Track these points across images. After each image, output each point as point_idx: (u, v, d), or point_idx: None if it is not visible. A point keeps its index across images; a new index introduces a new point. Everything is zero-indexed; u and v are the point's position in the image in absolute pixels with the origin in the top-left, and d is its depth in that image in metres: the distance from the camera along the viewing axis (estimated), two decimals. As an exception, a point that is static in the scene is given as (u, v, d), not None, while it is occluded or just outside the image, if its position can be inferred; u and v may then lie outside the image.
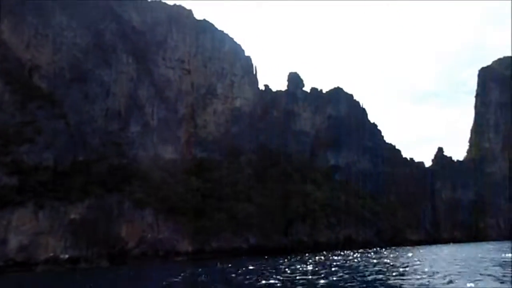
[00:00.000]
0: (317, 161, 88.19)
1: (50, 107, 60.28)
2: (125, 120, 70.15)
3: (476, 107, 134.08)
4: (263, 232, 62.14)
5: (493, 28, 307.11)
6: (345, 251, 55.15)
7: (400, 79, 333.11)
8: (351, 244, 69.08)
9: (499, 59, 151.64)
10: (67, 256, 47.78)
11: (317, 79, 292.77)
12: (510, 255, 28.18)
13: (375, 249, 62.62)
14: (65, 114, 63.05)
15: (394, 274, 17.64)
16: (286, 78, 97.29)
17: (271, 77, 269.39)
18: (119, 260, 53.74)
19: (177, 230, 60.37)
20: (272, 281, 16.92)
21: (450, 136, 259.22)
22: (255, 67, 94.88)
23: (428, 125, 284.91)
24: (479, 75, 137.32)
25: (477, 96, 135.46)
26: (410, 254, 37.87)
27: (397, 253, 41.53)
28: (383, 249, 60.48)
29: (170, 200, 62.52)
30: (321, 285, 14.59)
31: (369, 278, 16.45)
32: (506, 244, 56.36)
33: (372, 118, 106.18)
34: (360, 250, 58.99)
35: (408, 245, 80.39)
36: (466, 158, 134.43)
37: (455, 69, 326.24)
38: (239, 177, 72.42)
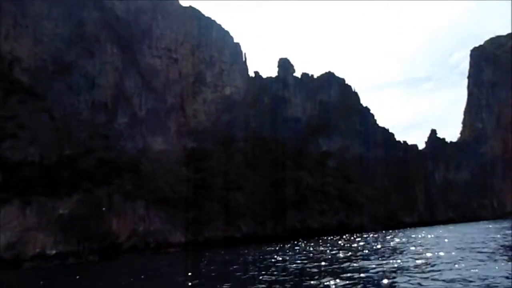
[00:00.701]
0: (309, 147, 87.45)
1: (32, 101, 58.63)
2: (112, 112, 68.63)
3: (468, 87, 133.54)
4: (256, 220, 61.69)
5: (485, 8, 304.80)
6: (338, 236, 54.87)
7: (392, 63, 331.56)
8: (345, 229, 68.93)
9: (491, 39, 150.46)
10: (54, 252, 46.92)
11: (309, 65, 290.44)
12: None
13: (369, 233, 62.49)
14: (49, 108, 61.46)
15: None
16: (276, 64, 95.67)
17: (261, 63, 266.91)
18: (110, 254, 53.07)
19: (169, 221, 59.69)
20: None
21: (445, 119, 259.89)
22: (244, 54, 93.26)
23: (422, 109, 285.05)
24: (471, 55, 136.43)
25: (469, 76, 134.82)
26: (398, 240, 37.44)
27: (387, 237, 41.14)
28: (374, 233, 60.40)
29: (161, 192, 61.69)
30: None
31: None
32: (503, 224, 56.35)
33: (365, 103, 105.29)
34: (357, 235, 58.84)
35: (402, 228, 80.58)
36: (459, 139, 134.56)
37: (447, 51, 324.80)
38: (230, 166, 71.58)
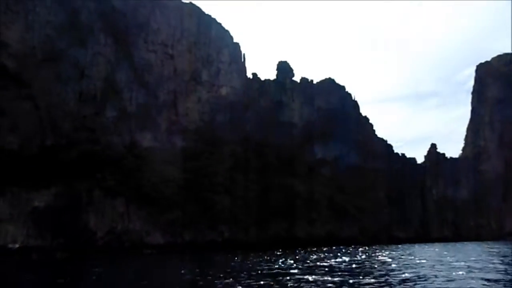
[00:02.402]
0: (304, 154, 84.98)
1: (15, 88, 56.66)
2: (100, 105, 66.54)
3: (472, 103, 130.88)
4: (239, 225, 59.14)
5: (494, 27, 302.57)
6: (322, 248, 52.22)
7: (397, 77, 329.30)
8: (333, 241, 66.20)
9: (498, 56, 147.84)
10: (17, 245, 44.56)
11: (309, 70, 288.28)
12: None
13: (355, 246, 59.74)
14: (33, 96, 59.50)
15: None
16: (276, 67, 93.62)
17: (260, 65, 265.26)
18: (83, 252, 50.64)
19: (149, 221, 57.33)
20: None
21: (449, 136, 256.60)
22: (244, 55, 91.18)
23: (427, 125, 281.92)
24: (476, 71, 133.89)
25: (473, 92, 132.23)
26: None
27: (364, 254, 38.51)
28: (363, 247, 57.67)
29: (144, 190, 59.39)
30: None
31: None
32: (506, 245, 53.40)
33: (367, 115, 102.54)
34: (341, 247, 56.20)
35: (396, 243, 77.77)
36: (460, 156, 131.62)
37: (455, 68, 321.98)
38: (219, 168, 69.19)
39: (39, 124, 58.82)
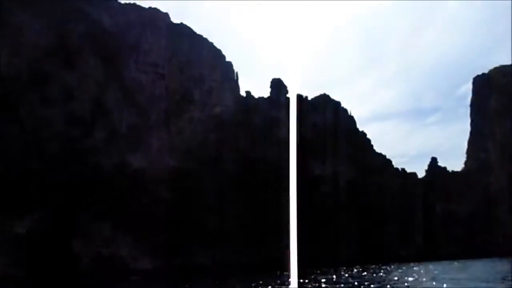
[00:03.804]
0: (301, 171, 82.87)
1: (1, 111, 55.76)
2: (89, 126, 65.48)
3: (471, 116, 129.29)
4: (233, 247, 56.64)
5: (492, 41, 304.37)
6: (320, 270, 49.51)
7: (397, 93, 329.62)
8: (330, 261, 63.23)
9: (495, 68, 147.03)
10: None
11: (305, 88, 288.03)
12: None
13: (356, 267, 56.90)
14: (20, 119, 58.57)
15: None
16: (269, 84, 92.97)
17: (254, 83, 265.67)
18: (67, 278, 48.21)
19: (137, 246, 54.99)
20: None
21: (453, 150, 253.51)
22: (236, 73, 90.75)
23: (428, 140, 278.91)
24: (473, 83, 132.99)
25: (471, 105, 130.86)
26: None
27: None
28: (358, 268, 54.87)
29: (132, 212, 57.36)
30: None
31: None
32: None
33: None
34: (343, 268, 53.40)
35: (397, 262, 74.46)
36: (463, 169, 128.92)
37: (455, 83, 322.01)
38: (213, 187, 67.25)
39: (25, 148, 57.56)
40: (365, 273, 38.88)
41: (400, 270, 45.16)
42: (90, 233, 54.83)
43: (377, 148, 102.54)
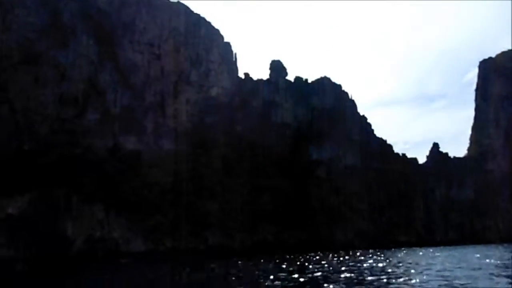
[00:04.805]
0: (298, 155, 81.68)
1: (-10, 90, 54.46)
2: (82, 107, 64.15)
3: (476, 100, 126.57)
4: (225, 231, 56.02)
5: (498, 27, 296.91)
6: (314, 254, 48.80)
7: (403, 79, 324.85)
8: (327, 245, 62.68)
9: (502, 52, 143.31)
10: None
11: (306, 70, 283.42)
12: None
13: (351, 252, 56.20)
14: (10, 99, 57.30)
15: None
16: (268, 66, 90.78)
17: (253, 64, 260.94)
18: (59, 261, 47.82)
19: (130, 228, 54.43)
20: None
21: (458, 137, 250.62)
22: (235, 54, 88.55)
23: (434, 127, 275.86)
24: (479, 67, 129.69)
25: (477, 89, 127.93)
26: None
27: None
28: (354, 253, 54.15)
29: (124, 195, 56.60)
30: None
31: None
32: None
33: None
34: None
35: (397, 247, 73.92)
36: (465, 156, 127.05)
37: (461, 69, 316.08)
38: (207, 171, 66.24)
39: (16, 128, 56.49)
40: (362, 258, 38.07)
41: (399, 255, 44.36)
42: (82, 215, 54.25)
43: (382, 134, 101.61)
